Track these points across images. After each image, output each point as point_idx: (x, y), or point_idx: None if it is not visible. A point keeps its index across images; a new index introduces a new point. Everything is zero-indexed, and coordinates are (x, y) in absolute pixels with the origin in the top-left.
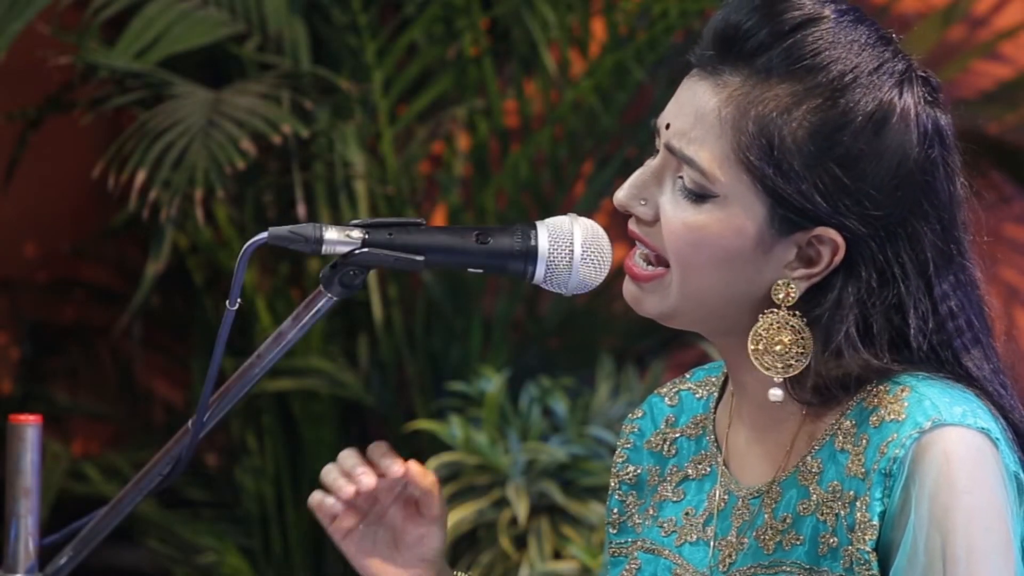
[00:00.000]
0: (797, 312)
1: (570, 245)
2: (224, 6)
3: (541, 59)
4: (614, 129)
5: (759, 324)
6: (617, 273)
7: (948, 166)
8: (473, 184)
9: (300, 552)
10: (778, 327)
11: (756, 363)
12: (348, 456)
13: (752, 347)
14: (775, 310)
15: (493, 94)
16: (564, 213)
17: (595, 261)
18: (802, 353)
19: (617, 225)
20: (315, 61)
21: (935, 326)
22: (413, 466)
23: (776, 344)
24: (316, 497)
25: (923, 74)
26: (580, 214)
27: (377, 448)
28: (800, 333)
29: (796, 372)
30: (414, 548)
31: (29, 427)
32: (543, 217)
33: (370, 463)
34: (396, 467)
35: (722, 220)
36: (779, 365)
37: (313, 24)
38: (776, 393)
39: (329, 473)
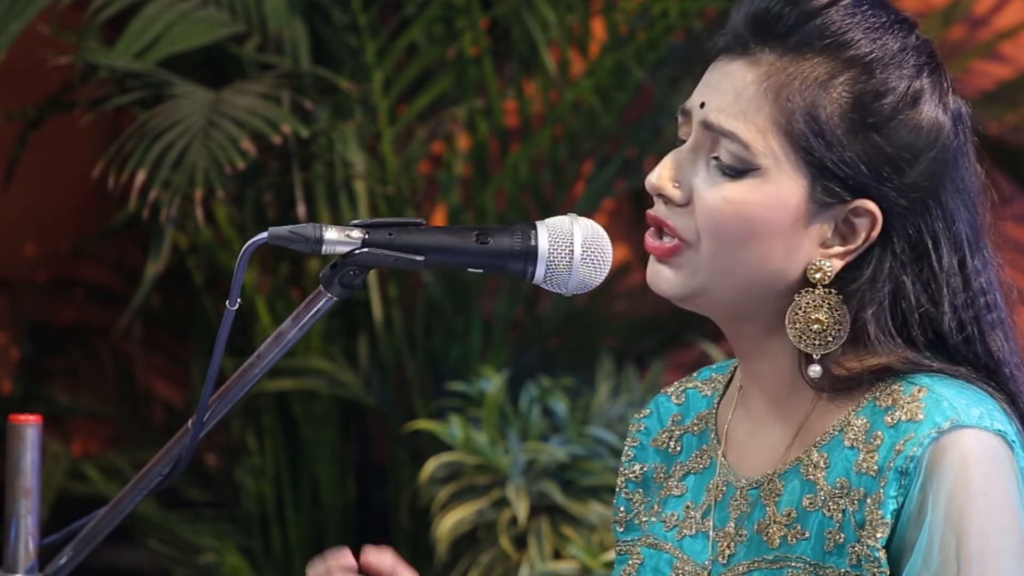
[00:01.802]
0: (833, 290)
1: (570, 245)
2: (224, 6)
3: (541, 59)
4: (614, 129)
5: (796, 303)
6: (617, 273)
7: (973, 150)
8: (473, 184)
9: (300, 552)
10: (815, 306)
11: (795, 342)
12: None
13: (790, 326)
14: (811, 289)
15: (493, 94)
16: (564, 213)
17: (595, 261)
18: (839, 330)
19: (617, 225)
20: (315, 61)
21: (966, 301)
22: (370, 554)
23: (813, 323)
24: None
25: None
26: (580, 214)
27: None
28: (837, 310)
29: (833, 349)
30: None
31: (29, 427)
32: (543, 217)
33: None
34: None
35: (764, 193)
36: (817, 343)
37: (313, 24)
38: (816, 369)
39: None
